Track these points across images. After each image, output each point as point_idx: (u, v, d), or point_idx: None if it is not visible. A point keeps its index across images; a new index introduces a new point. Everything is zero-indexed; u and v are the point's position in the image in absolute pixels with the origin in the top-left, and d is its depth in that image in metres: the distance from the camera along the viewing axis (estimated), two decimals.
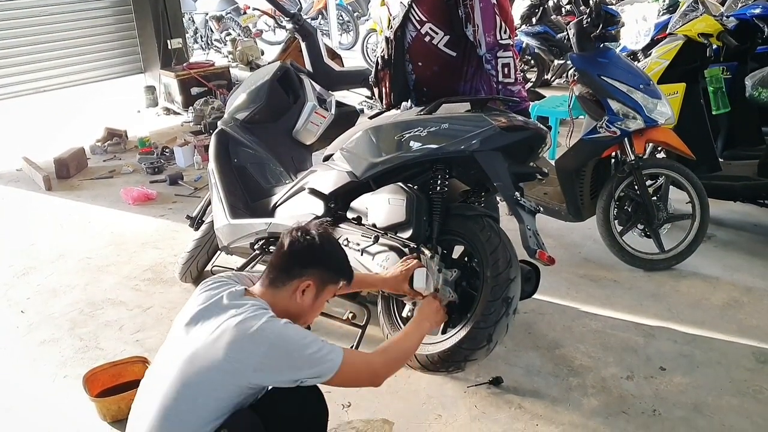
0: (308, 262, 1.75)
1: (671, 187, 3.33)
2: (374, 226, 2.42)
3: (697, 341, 2.68)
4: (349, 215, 2.56)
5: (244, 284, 1.80)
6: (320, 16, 10.41)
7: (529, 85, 6.63)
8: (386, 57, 2.71)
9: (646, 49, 4.77)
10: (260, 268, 2.46)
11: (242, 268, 2.80)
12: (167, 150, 5.41)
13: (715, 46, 3.58)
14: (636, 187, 3.21)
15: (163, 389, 1.61)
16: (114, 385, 2.42)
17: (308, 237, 1.76)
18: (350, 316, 2.65)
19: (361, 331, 2.58)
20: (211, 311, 1.65)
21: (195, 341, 1.62)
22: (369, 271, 2.35)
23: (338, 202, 2.57)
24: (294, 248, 1.75)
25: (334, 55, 4.93)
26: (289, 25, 3.27)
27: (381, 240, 2.35)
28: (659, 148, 3.68)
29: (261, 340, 1.57)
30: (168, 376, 1.62)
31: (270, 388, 1.75)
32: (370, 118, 2.72)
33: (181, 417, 1.59)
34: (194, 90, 6.57)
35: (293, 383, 1.64)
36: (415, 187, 2.35)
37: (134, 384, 2.01)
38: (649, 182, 3.29)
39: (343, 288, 2.00)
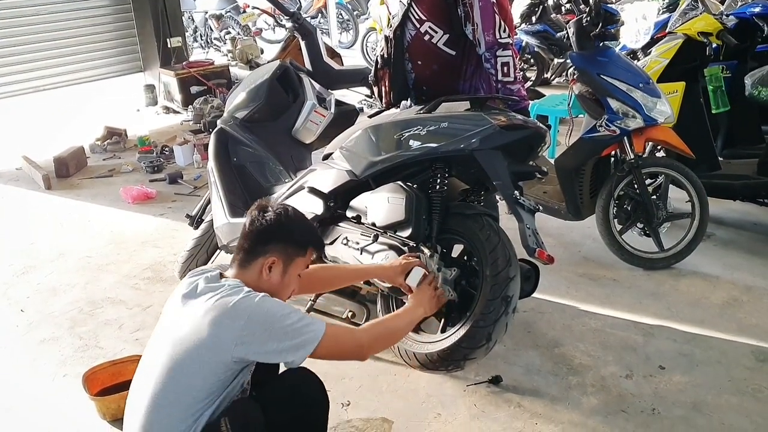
0: (268, 239, 1.77)
1: (671, 185, 3.33)
2: (374, 224, 2.42)
3: (696, 340, 2.68)
4: (349, 214, 2.56)
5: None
6: (320, 14, 10.41)
7: (529, 83, 6.63)
8: (386, 56, 2.71)
9: (646, 48, 4.78)
10: None
11: None
12: (167, 149, 5.42)
13: (714, 45, 3.58)
14: (635, 185, 3.21)
15: (153, 378, 1.65)
16: (113, 384, 2.42)
17: (266, 214, 1.78)
18: (350, 314, 2.66)
19: None
20: (190, 296, 1.69)
21: (178, 327, 1.66)
22: None
23: (338, 201, 2.57)
24: (254, 227, 1.78)
25: (334, 54, 4.93)
26: (289, 24, 3.26)
27: (380, 239, 2.36)
28: (659, 147, 3.69)
29: (239, 315, 1.60)
30: (156, 365, 1.66)
31: (271, 373, 1.79)
32: (370, 116, 2.72)
33: (171, 400, 1.62)
34: (194, 89, 6.58)
35: (279, 357, 1.64)
36: (415, 185, 2.35)
37: None
38: (648, 181, 3.29)
39: (325, 285, 2.08)
